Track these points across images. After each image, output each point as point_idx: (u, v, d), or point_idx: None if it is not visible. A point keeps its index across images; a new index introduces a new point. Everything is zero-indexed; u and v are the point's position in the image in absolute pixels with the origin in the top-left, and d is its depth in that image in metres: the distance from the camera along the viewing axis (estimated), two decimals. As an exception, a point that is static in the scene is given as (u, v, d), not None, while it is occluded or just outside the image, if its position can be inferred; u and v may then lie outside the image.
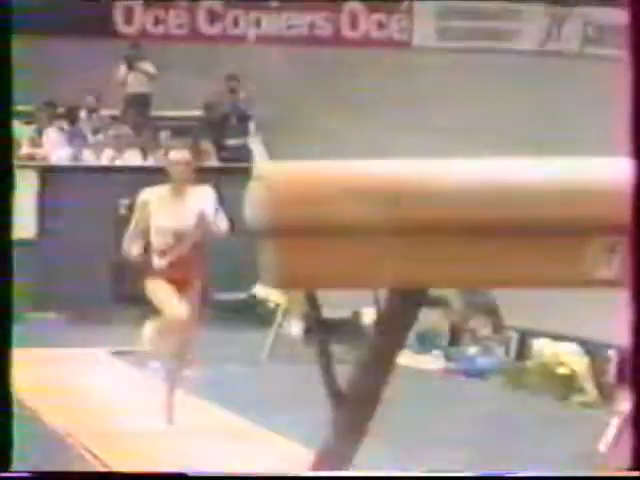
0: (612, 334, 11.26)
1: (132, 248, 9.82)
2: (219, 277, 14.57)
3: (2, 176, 3.16)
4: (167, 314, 9.63)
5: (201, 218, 9.51)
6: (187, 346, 9.92)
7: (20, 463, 3.37)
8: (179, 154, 9.90)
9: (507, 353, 13.82)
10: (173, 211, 9.61)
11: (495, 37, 22.72)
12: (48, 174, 18.00)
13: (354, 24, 23.30)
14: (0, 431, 3.34)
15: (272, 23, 23.31)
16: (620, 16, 21.98)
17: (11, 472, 3.34)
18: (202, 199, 9.61)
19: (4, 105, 3.06)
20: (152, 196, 9.77)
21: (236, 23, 23.38)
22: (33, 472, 3.38)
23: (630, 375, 3.34)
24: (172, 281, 9.55)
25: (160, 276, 9.58)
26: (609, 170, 3.49)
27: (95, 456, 8.52)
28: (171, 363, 9.85)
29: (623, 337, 10.67)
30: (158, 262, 9.61)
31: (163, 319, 9.76)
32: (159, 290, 9.61)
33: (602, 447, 8.32)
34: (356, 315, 15.06)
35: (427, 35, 23.17)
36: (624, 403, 8.83)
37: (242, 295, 16.67)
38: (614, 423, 8.55)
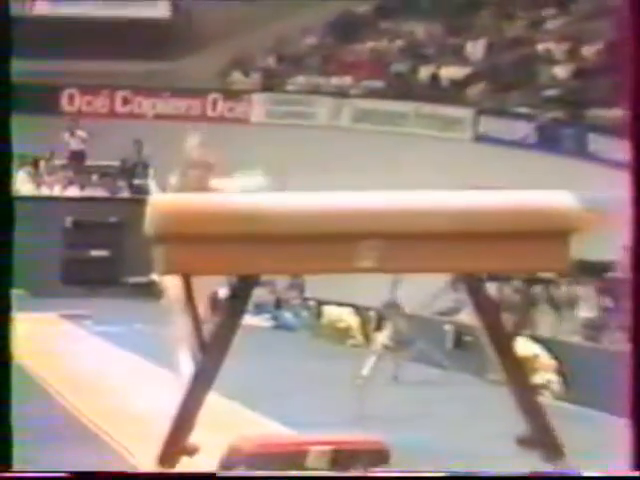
0: (372, 301, 11.33)
1: None
2: (133, 268, 14.56)
3: (6, 208, 3.04)
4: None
5: None
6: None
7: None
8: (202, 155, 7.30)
9: (310, 315, 13.83)
10: None
11: (299, 116, 22.80)
12: (18, 202, 17.57)
13: (214, 107, 23.32)
14: (0, 431, 2.57)
15: (163, 106, 23.24)
16: (377, 104, 22.23)
17: (12, 472, 2.60)
18: None
19: (6, 160, 2.97)
20: None
21: (140, 106, 23.25)
22: (35, 472, 2.66)
23: (631, 376, 2.64)
24: None
25: None
26: (373, 198, 3.49)
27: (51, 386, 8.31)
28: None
29: (378, 302, 10.43)
30: None
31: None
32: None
33: (364, 372, 8.31)
34: (214, 292, 14.92)
35: (260, 115, 23.19)
36: (380, 343, 8.83)
37: (145, 279, 16.43)
38: (372, 358, 8.54)
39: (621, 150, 18.77)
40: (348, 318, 12.50)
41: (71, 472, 2.67)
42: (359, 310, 12.43)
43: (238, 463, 3.67)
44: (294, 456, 3.60)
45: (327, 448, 3.57)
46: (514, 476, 2.96)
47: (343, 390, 7.84)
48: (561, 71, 20.42)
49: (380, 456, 3.65)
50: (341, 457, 3.55)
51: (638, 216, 2.65)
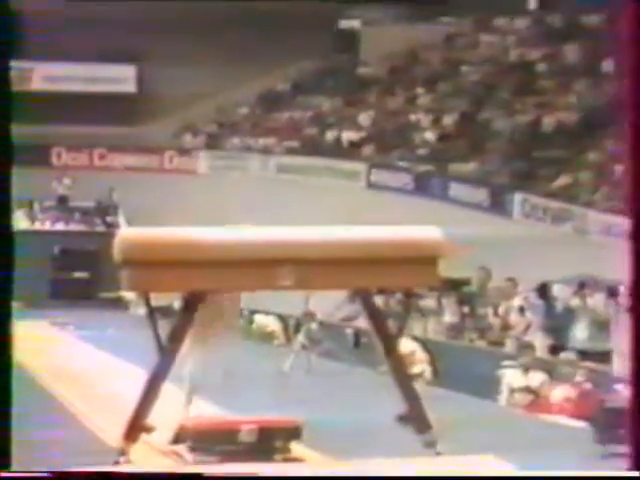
0: (291, 311, 11.16)
1: None
2: (106, 286, 14.38)
3: (8, 240, 2.91)
4: None
5: None
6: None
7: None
8: None
9: (243, 321, 13.57)
10: None
11: (235, 169, 22.75)
12: (17, 235, 17.15)
13: (170, 161, 23.35)
14: (0, 432, 2.14)
15: (131, 161, 23.16)
16: (294, 159, 22.23)
17: (11, 472, 2.18)
18: None
19: (7, 204, 2.87)
20: None
21: (113, 160, 23.24)
22: (35, 472, 2.26)
23: (631, 378, 2.24)
24: None
25: None
26: (291, 232, 3.45)
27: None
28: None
29: (296, 311, 10.22)
30: None
31: None
32: None
33: (285, 368, 8.19)
34: (170, 305, 14.59)
35: (205, 168, 23.17)
36: (297, 343, 8.71)
37: (115, 295, 16.11)
38: (292, 355, 8.41)
39: (474, 195, 19.25)
40: (273, 324, 12.41)
41: (35, 472, 2.26)
42: (282, 317, 12.35)
43: (186, 438, 3.60)
44: (229, 432, 3.55)
45: (254, 426, 3.54)
46: (517, 477, 2.58)
47: (269, 380, 7.72)
48: (429, 135, 21.05)
49: (295, 432, 3.62)
50: (265, 433, 3.51)
51: (637, 249, 2.19)
